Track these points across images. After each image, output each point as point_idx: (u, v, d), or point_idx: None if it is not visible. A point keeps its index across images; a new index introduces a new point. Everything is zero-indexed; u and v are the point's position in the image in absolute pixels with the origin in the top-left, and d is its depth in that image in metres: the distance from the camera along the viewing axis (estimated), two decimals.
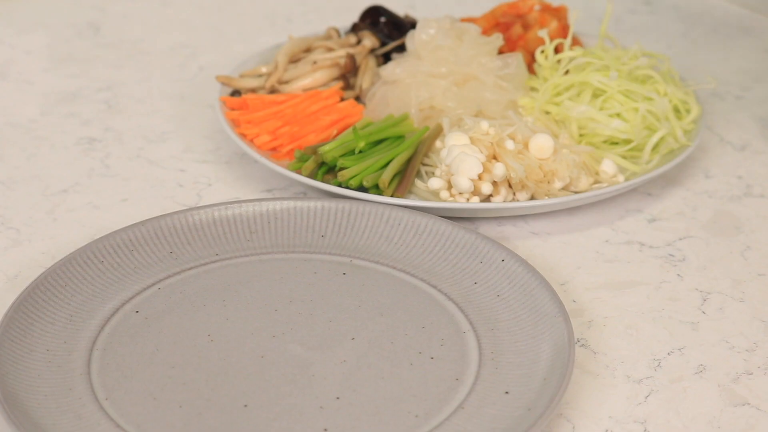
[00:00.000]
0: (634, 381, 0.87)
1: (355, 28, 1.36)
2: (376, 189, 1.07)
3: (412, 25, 1.32)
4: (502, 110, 1.18)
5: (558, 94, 1.19)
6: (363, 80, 1.26)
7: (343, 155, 1.09)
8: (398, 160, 1.09)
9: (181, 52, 1.49)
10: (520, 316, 0.91)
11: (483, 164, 1.05)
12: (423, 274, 0.97)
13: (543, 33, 1.23)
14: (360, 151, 1.10)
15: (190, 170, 1.18)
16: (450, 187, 1.06)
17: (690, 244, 1.06)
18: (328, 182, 1.08)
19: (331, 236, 1.02)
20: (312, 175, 1.08)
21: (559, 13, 1.33)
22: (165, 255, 0.99)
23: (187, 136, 1.26)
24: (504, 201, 1.06)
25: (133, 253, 0.98)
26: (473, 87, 1.20)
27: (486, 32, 1.31)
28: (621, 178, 1.11)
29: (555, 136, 1.15)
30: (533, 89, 1.22)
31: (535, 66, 1.25)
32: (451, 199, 1.06)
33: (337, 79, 1.26)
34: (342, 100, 1.24)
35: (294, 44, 1.30)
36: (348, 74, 1.27)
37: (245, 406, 0.83)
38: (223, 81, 1.26)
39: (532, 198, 1.08)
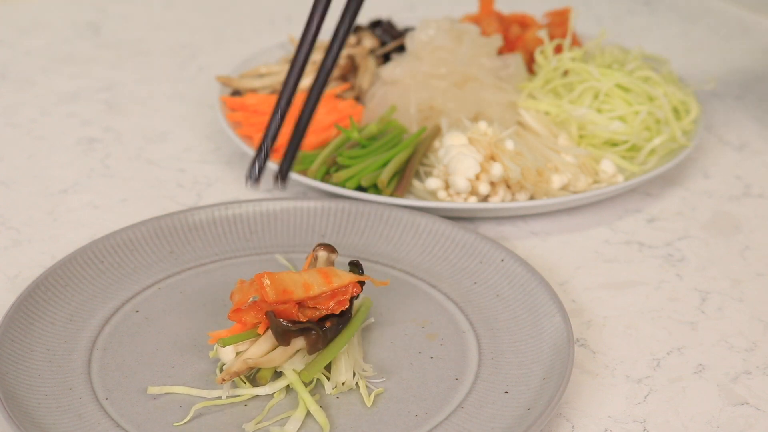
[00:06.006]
0: (634, 381, 0.88)
1: (355, 29, 1.36)
2: (375, 189, 1.07)
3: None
4: (502, 111, 1.18)
5: (553, 90, 1.19)
6: (363, 81, 1.26)
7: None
8: (396, 160, 1.09)
9: (181, 52, 1.49)
10: (519, 316, 0.91)
11: (481, 164, 1.05)
12: (423, 274, 0.97)
13: (542, 33, 1.23)
14: (363, 146, 1.11)
15: (190, 170, 1.18)
16: (447, 187, 1.06)
17: (689, 244, 1.06)
18: (328, 182, 1.08)
19: (331, 236, 1.02)
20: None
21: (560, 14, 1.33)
22: (165, 255, 0.99)
23: (187, 136, 1.26)
24: (503, 201, 1.06)
25: (133, 253, 0.98)
26: (473, 88, 1.20)
27: (482, 17, 1.31)
28: (620, 178, 1.11)
29: (555, 136, 1.15)
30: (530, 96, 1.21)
31: (535, 66, 1.25)
32: (449, 199, 1.06)
33: (337, 79, 1.26)
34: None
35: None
36: (348, 74, 1.27)
37: (245, 405, 0.83)
38: (223, 81, 1.26)
39: (532, 198, 1.08)
